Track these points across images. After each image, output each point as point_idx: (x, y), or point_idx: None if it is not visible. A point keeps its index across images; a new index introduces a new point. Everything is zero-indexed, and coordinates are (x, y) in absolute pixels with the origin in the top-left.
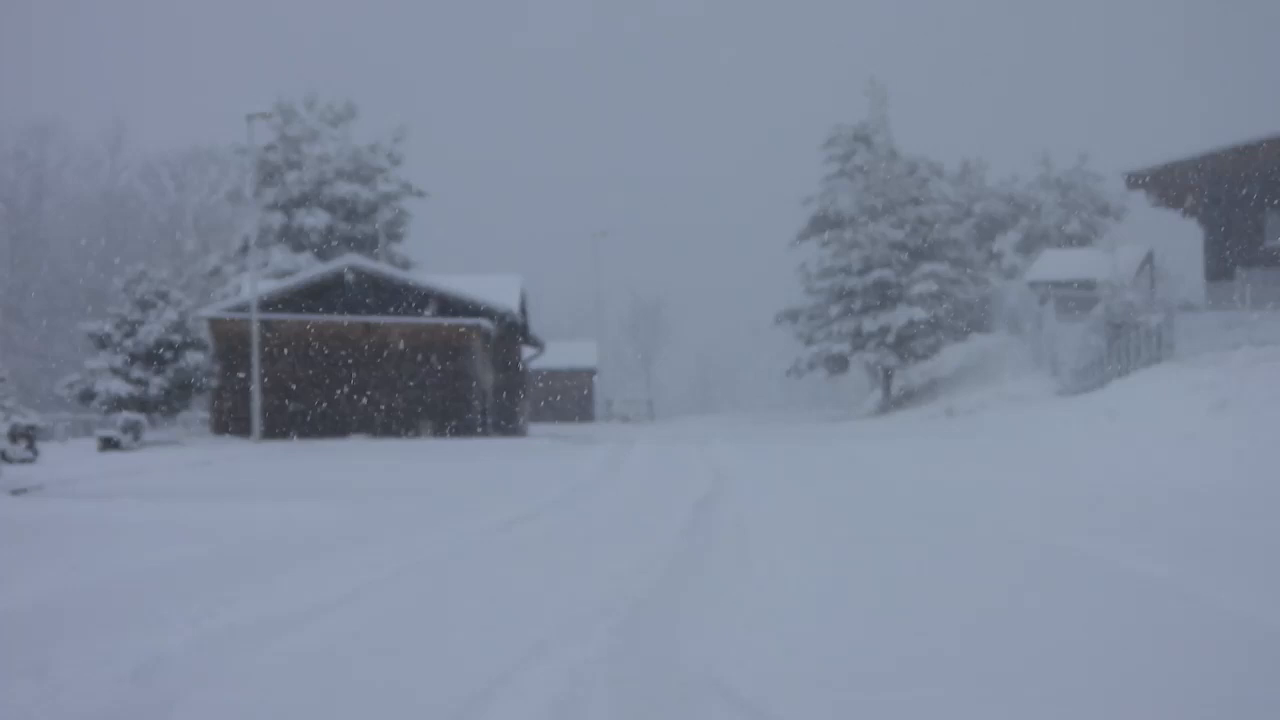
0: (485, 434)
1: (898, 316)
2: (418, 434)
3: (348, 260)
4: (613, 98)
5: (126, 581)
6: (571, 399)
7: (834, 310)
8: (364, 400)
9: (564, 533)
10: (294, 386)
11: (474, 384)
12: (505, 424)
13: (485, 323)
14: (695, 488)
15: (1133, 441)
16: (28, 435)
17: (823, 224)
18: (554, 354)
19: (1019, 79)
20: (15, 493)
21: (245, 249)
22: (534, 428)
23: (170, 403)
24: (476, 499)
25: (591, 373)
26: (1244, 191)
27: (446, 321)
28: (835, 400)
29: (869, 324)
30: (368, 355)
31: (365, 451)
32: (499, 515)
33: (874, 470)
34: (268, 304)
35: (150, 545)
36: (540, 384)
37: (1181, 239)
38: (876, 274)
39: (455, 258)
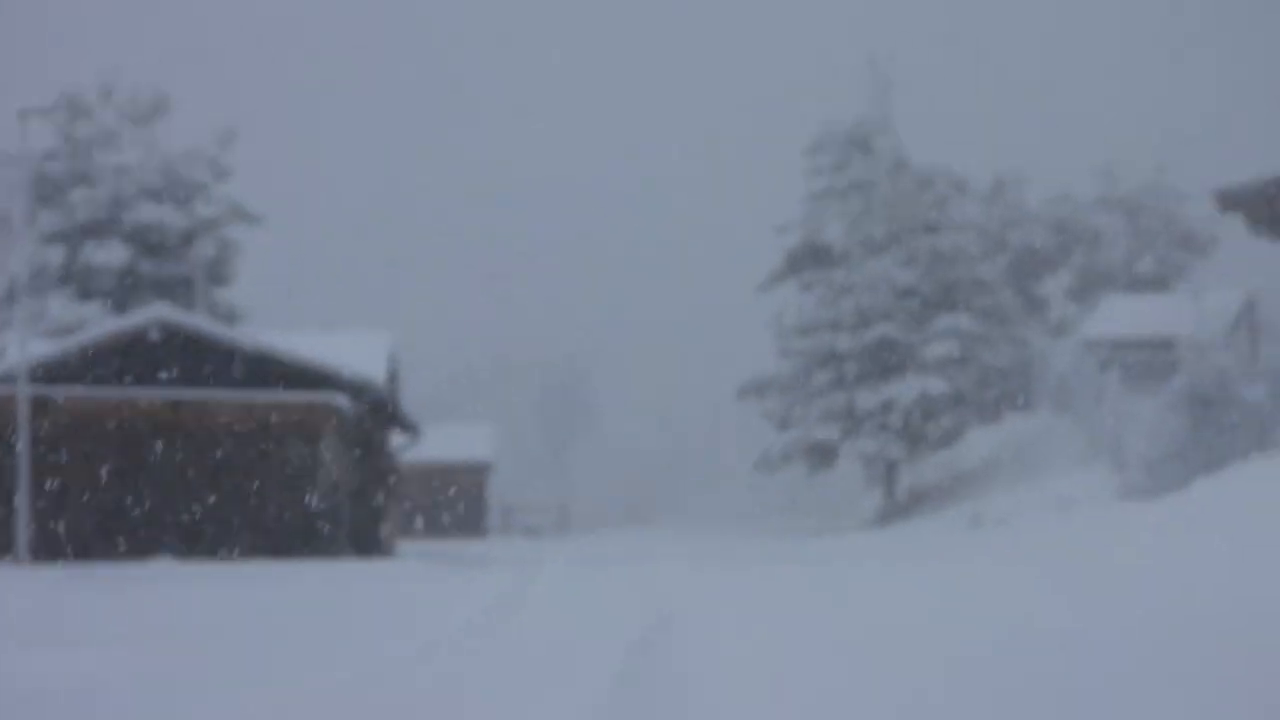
0: (337, 554)
1: (906, 389)
2: (244, 555)
3: (154, 312)
4: (513, 90)
5: None
6: (457, 505)
7: (819, 379)
8: (174, 509)
9: None
10: (80, 489)
11: (323, 485)
12: (367, 540)
13: (341, 399)
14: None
15: (1230, 569)
16: None
17: (804, 260)
18: (434, 442)
19: (1064, 67)
20: None
21: (12, 296)
22: (405, 546)
23: None
24: (292, 651)
25: (485, 469)
26: None
27: (288, 397)
28: (821, 505)
29: (866, 399)
30: (180, 445)
31: (169, 582)
32: (320, 682)
33: (871, 625)
34: (44, 372)
35: None
36: (414, 484)
37: None
38: (877, 330)
39: (302, 309)
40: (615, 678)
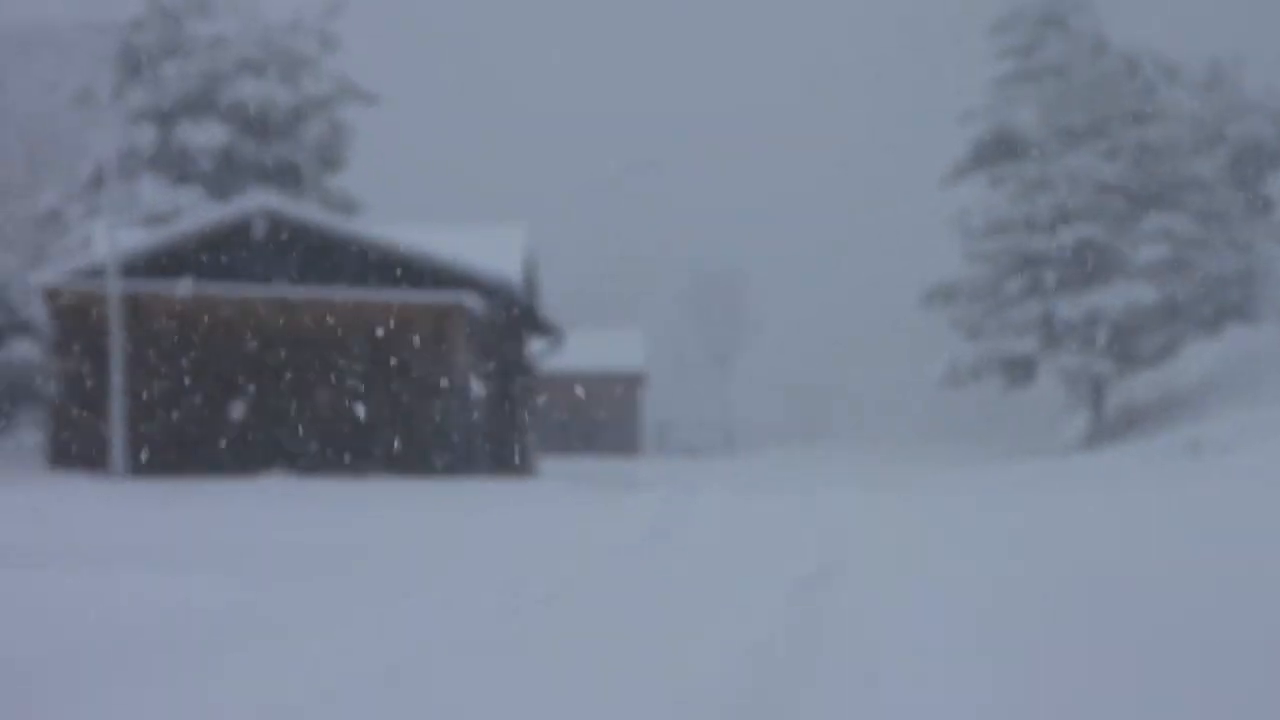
0: (471, 472)
1: (1112, 298)
2: (364, 471)
3: (258, 201)
4: None
5: None
6: (605, 420)
7: (1012, 286)
8: (285, 420)
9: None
10: (178, 397)
11: (455, 395)
12: (504, 458)
13: (472, 299)
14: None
15: None
16: None
17: (993, 152)
18: (579, 349)
19: None
20: None
21: (100, 181)
22: (548, 463)
23: None
24: (436, 577)
25: (637, 379)
26: None
27: (412, 296)
28: (1017, 425)
29: (1067, 308)
30: (291, 349)
31: (281, 501)
32: (471, 606)
33: (1094, 575)
34: (136, 266)
35: None
36: (558, 395)
37: None
38: (1078, 231)
39: (423, 201)
40: (772, 626)
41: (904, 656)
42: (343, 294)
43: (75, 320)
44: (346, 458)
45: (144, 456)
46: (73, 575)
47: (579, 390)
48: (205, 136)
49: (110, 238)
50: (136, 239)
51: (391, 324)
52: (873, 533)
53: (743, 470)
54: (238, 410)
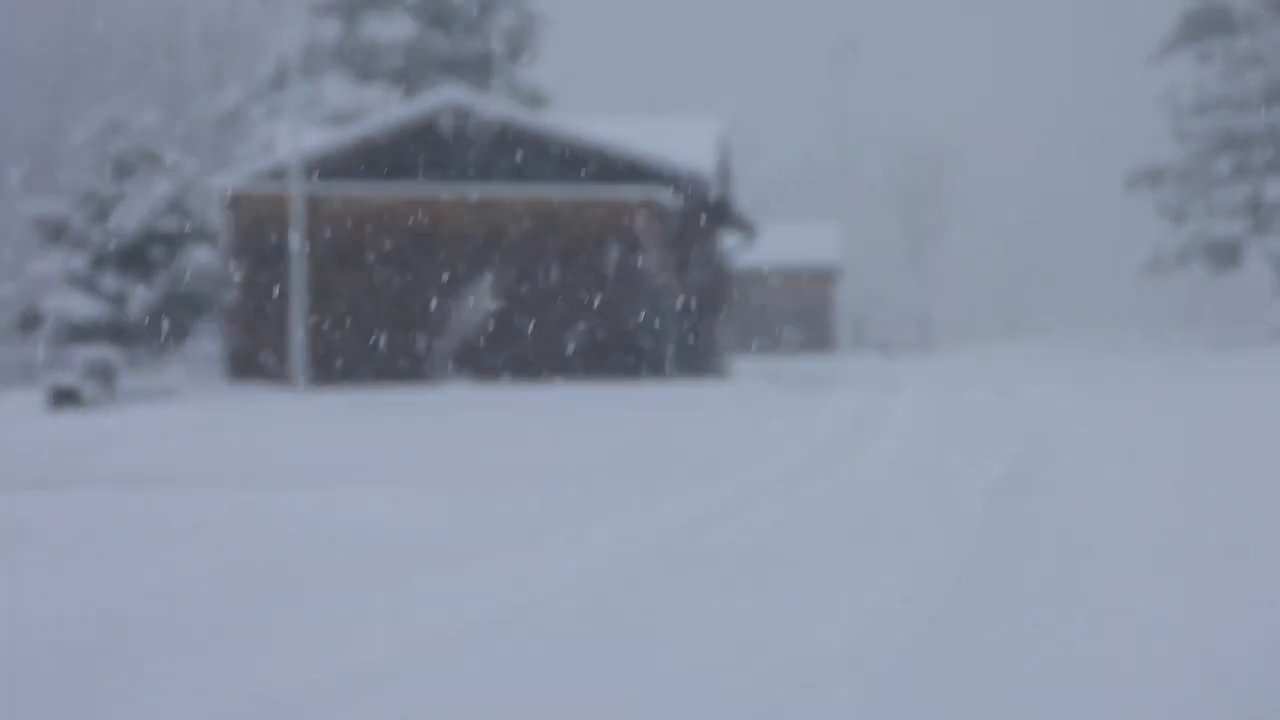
0: (665, 374)
1: None
2: (554, 375)
3: (446, 97)
4: None
5: (74, 628)
6: (801, 316)
7: (1220, 167)
8: (470, 325)
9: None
10: (361, 303)
11: (646, 294)
12: (697, 358)
13: (664, 194)
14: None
15: None
16: None
17: (1201, 27)
18: (772, 243)
19: None
20: None
21: (282, 78)
22: (743, 363)
23: (162, 330)
24: (634, 488)
25: (831, 274)
26: None
27: (602, 193)
28: (1224, 314)
29: (1276, 190)
30: (475, 249)
31: (472, 410)
32: (676, 515)
33: None
34: (318, 167)
35: (129, 558)
36: (751, 292)
37: None
38: None
39: (614, 94)
40: (973, 535)
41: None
42: (531, 191)
43: (255, 225)
44: (534, 363)
45: (325, 365)
46: (270, 494)
47: (774, 286)
48: (391, 29)
49: (293, 138)
50: (320, 139)
51: (582, 221)
52: (1070, 436)
53: (942, 368)
54: (422, 315)
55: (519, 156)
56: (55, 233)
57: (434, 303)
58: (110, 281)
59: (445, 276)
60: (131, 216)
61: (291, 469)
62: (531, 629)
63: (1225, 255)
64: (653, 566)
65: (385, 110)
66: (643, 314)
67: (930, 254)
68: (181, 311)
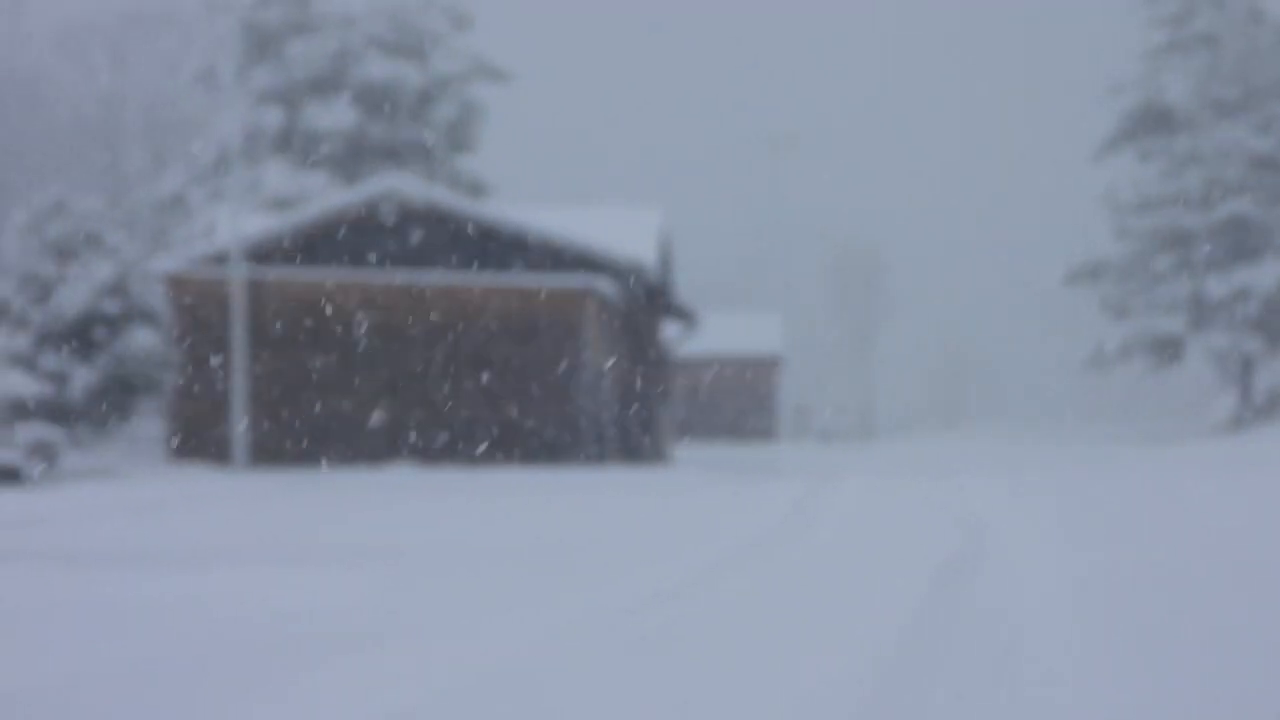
0: (605, 461)
1: (1263, 274)
2: (494, 460)
3: (387, 184)
4: None
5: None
6: (741, 405)
7: (1161, 263)
8: (412, 408)
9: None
10: (301, 385)
11: (587, 382)
12: (637, 445)
13: (606, 283)
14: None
15: None
16: None
17: (1143, 125)
18: (713, 333)
19: None
20: None
21: (223, 164)
22: (682, 451)
23: (103, 409)
24: (577, 567)
25: (774, 363)
26: None
27: (544, 281)
28: (1165, 409)
29: (1217, 286)
30: (418, 337)
31: (413, 492)
32: (616, 595)
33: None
34: (260, 253)
35: (61, 642)
36: (692, 381)
37: None
38: (1229, 206)
39: (554, 184)
40: (913, 624)
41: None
42: (472, 279)
43: (197, 308)
44: (474, 447)
45: (265, 448)
46: (200, 576)
47: (714, 375)
48: (332, 118)
49: (234, 223)
50: (261, 224)
51: (525, 309)
52: (1012, 527)
53: (883, 457)
54: (362, 400)
55: (461, 245)
56: None
57: (375, 387)
58: (52, 361)
59: (386, 361)
60: (73, 298)
61: (221, 549)
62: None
63: (1167, 351)
64: (575, 655)
65: (326, 197)
66: (584, 401)
67: (870, 346)
68: (123, 392)
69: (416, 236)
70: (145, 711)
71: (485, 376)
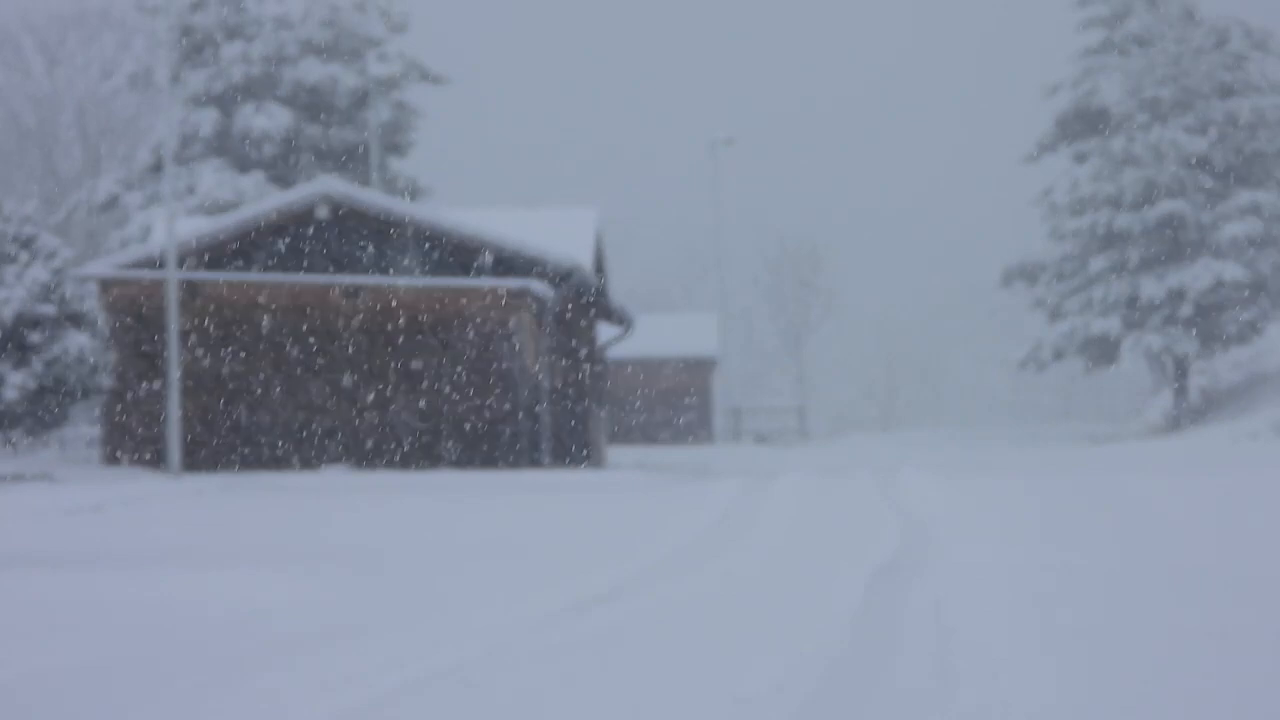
0: (540, 463)
1: (1197, 275)
2: (428, 463)
3: (322, 187)
4: None
5: None
6: (677, 407)
7: (1096, 265)
8: (346, 410)
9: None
10: (235, 388)
11: (521, 384)
12: (572, 447)
13: (539, 286)
14: (876, 558)
15: None
16: None
17: (1077, 126)
18: (648, 335)
19: None
20: None
21: (159, 167)
22: (617, 453)
23: (37, 414)
24: (513, 570)
25: (709, 365)
26: None
27: (477, 283)
28: (1099, 409)
29: (1151, 287)
30: (352, 338)
31: (347, 495)
32: (553, 598)
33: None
34: (195, 255)
35: (12, 643)
36: (627, 383)
37: None
38: (1164, 207)
39: (490, 186)
40: (854, 620)
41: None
42: (407, 280)
43: (132, 312)
44: (408, 450)
45: (200, 451)
46: (125, 575)
47: (650, 377)
48: (267, 121)
49: (169, 226)
50: (197, 227)
51: (459, 311)
52: (948, 520)
53: (819, 456)
54: (296, 402)
55: (396, 246)
56: None
57: (310, 390)
58: None
59: (321, 364)
60: (7, 303)
61: (161, 551)
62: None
63: (1102, 351)
64: (519, 656)
65: (261, 200)
66: (518, 403)
67: (806, 346)
68: (58, 396)
69: (351, 239)
70: (108, 708)
71: (420, 379)
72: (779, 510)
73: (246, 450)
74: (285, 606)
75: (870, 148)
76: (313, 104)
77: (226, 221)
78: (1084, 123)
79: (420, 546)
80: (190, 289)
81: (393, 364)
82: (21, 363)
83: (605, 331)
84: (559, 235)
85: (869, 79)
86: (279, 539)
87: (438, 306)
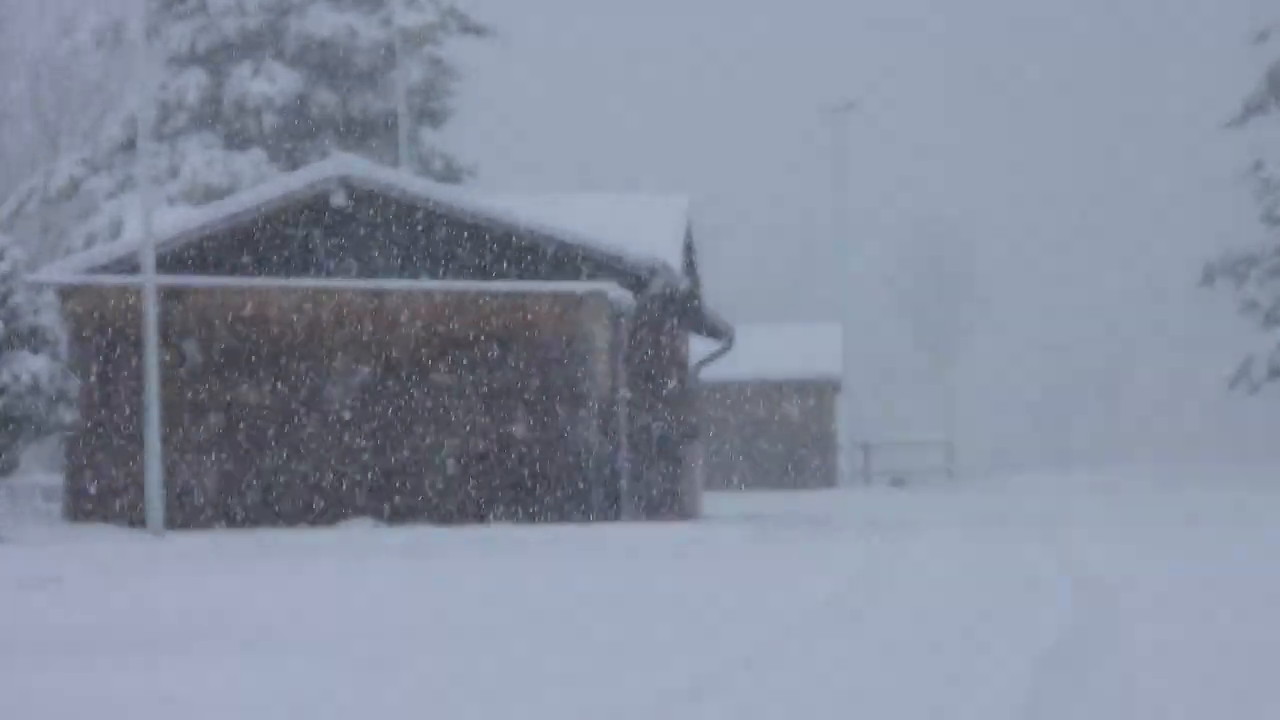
0: (616, 515)
1: None
2: (475, 515)
3: (337, 167)
4: None
5: None
6: (790, 441)
7: None
8: (372, 449)
9: None
10: (232, 422)
11: (593, 415)
12: (657, 495)
13: (615, 290)
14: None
15: None
16: None
17: None
18: (753, 350)
19: None
20: None
21: (131, 144)
22: (714, 499)
23: None
24: (577, 654)
25: (831, 387)
26: None
27: (537, 287)
28: None
29: None
30: (377, 357)
31: (370, 558)
32: (619, 695)
33: None
34: (179, 256)
35: None
36: (727, 410)
37: None
38: None
39: (545, 166)
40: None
41: None
42: (446, 284)
43: (100, 327)
44: (451, 498)
45: (189, 502)
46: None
47: (755, 404)
48: (268, 85)
49: (146, 218)
50: (181, 219)
51: (510, 322)
52: (1140, 592)
53: (968, 504)
54: (309, 439)
55: (432, 241)
56: None
57: (325, 423)
58: None
59: (340, 390)
60: None
61: (130, 636)
62: None
63: None
64: None
65: (262, 184)
66: (588, 438)
67: (952, 363)
68: (6, 434)
69: (376, 232)
70: None
71: (463, 408)
72: (918, 578)
73: (247, 501)
74: (296, 699)
75: (1028, 120)
76: (325, 63)
77: (218, 212)
78: None
79: (458, 625)
80: (174, 297)
81: (429, 389)
82: None
83: (698, 347)
84: (639, 228)
85: (1019, 31)
86: (292, 620)
87: (486, 316)
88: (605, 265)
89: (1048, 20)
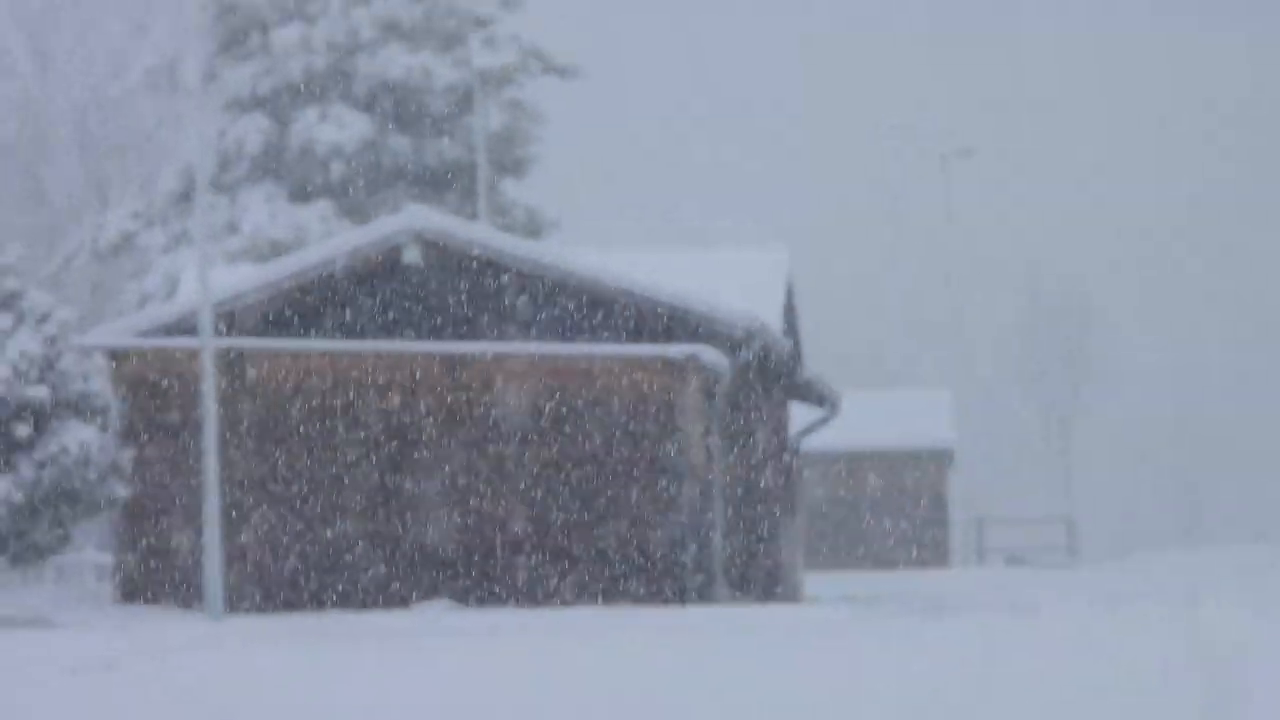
0: (712, 597)
1: None
2: (560, 597)
3: (411, 221)
4: None
5: None
6: (898, 516)
7: None
8: (450, 525)
9: None
10: (297, 496)
11: (686, 489)
12: (756, 576)
13: (710, 353)
14: None
15: None
16: None
17: None
18: (858, 418)
19: None
20: None
21: (188, 196)
22: (816, 579)
23: (26, 535)
24: None
25: (943, 458)
26: None
27: (626, 350)
28: None
29: None
30: (454, 427)
31: (450, 644)
32: None
33: None
34: (240, 317)
35: None
36: (830, 484)
37: None
38: None
39: (634, 218)
40: None
41: None
42: (528, 348)
43: (154, 394)
44: (534, 579)
45: (251, 583)
46: None
47: (860, 476)
48: (336, 131)
49: (204, 276)
50: (241, 278)
51: (597, 388)
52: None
53: (1093, 585)
54: (382, 515)
55: (512, 301)
56: None
57: (397, 497)
58: None
59: (411, 462)
60: None
61: None
62: None
63: None
64: None
65: (329, 239)
66: (680, 513)
67: (1074, 433)
68: (55, 510)
69: (453, 291)
70: None
71: (549, 482)
72: (1047, 669)
73: (313, 581)
74: None
75: (1153, 164)
76: (397, 107)
77: (282, 270)
78: None
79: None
80: (234, 361)
81: (510, 461)
82: (5, 466)
83: (799, 414)
84: (736, 286)
85: (1145, 72)
86: (364, 709)
87: (571, 382)
88: (699, 327)
89: (1152, 68)
